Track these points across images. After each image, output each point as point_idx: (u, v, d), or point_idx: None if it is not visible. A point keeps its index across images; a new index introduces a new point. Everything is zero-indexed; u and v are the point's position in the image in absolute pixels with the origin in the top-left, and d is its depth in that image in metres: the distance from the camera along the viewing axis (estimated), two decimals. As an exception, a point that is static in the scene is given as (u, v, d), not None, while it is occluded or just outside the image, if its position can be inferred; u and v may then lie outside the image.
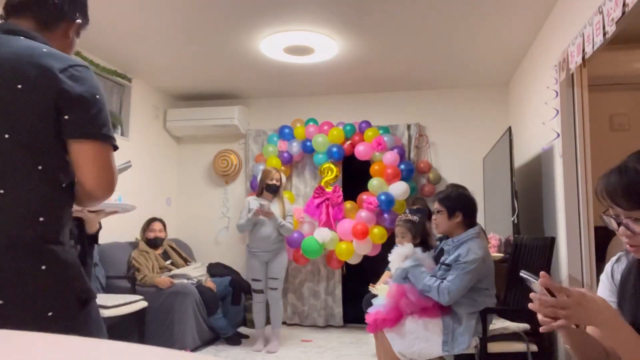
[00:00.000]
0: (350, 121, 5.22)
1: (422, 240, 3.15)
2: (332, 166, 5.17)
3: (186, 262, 4.67)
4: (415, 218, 3.21)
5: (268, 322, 4.57)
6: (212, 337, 4.47)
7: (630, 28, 2.42)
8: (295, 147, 5.25)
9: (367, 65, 4.60)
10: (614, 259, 1.31)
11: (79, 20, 1.41)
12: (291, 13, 3.51)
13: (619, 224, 1.13)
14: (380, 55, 4.33)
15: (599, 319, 1.08)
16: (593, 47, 2.44)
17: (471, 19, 3.58)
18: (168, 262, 4.51)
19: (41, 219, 1.17)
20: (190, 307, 4.09)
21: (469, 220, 2.85)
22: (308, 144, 5.20)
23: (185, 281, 4.27)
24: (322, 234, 4.84)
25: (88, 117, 1.21)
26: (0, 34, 1.26)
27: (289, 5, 3.39)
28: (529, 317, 2.79)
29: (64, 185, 1.22)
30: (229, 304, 4.63)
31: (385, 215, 4.87)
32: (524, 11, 3.42)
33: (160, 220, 4.66)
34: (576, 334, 1.18)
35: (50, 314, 1.15)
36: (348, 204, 5.07)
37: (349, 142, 5.16)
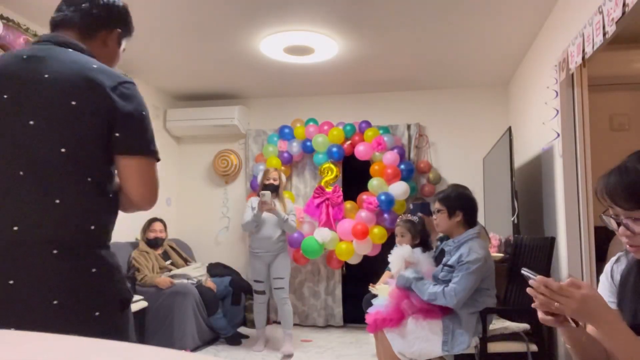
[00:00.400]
0: (350, 121, 5.22)
1: (422, 240, 3.16)
2: (332, 166, 5.17)
3: (186, 262, 4.67)
4: (415, 218, 3.21)
5: (268, 322, 4.57)
6: (212, 337, 4.47)
7: (630, 28, 2.43)
8: (295, 147, 5.25)
9: (367, 65, 4.60)
10: (613, 259, 1.31)
11: (118, 30, 1.44)
12: (291, 13, 3.51)
13: (619, 224, 1.13)
14: (381, 55, 4.33)
15: (598, 318, 1.08)
16: (593, 47, 2.43)
17: (471, 19, 3.58)
18: (168, 262, 4.51)
19: (92, 227, 1.26)
20: (190, 307, 4.08)
21: (470, 219, 2.85)
22: (308, 144, 5.20)
23: (185, 281, 4.27)
24: (322, 234, 4.83)
25: (136, 135, 1.29)
26: (50, 44, 1.31)
27: (289, 5, 3.39)
28: (529, 317, 2.80)
29: (110, 195, 1.31)
30: (229, 304, 4.62)
31: (385, 215, 4.87)
32: (524, 11, 3.42)
33: (161, 221, 4.66)
34: (577, 333, 1.18)
35: (97, 314, 1.22)
36: (348, 204, 5.07)
37: (349, 142, 5.16)
